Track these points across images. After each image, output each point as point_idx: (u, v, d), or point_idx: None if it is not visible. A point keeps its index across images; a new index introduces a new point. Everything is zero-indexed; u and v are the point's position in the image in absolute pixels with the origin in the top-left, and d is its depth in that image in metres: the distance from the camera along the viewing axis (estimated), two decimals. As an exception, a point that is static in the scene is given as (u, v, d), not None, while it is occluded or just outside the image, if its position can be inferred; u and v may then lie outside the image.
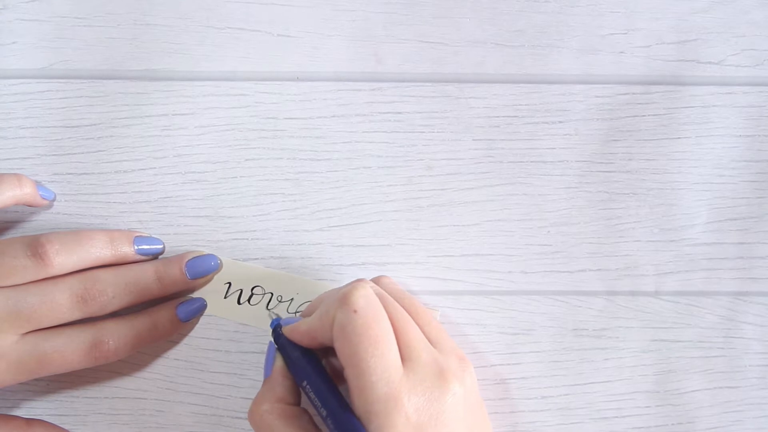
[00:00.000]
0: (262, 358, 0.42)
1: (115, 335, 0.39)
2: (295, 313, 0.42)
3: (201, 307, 0.42)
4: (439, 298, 0.43)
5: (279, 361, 0.38)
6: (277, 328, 0.39)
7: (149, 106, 0.43)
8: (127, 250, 0.41)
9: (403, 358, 0.35)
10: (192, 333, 0.43)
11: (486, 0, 0.44)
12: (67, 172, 0.43)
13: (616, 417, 0.43)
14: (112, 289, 0.39)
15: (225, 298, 0.43)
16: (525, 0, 0.44)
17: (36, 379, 0.42)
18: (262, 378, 0.42)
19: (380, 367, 0.34)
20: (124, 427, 0.42)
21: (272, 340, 0.39)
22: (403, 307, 0.37)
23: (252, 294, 0.43)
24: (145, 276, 0.40)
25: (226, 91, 0.44)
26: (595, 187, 0.44)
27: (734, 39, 0.44)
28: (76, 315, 0.39)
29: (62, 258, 0.39)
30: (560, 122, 0.44)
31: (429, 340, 0.37)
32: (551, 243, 0.43)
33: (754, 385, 0.43)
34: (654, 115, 0.44)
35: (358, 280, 0.37)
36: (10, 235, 0.43)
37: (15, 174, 0.41)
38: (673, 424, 0.43)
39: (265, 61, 0.44)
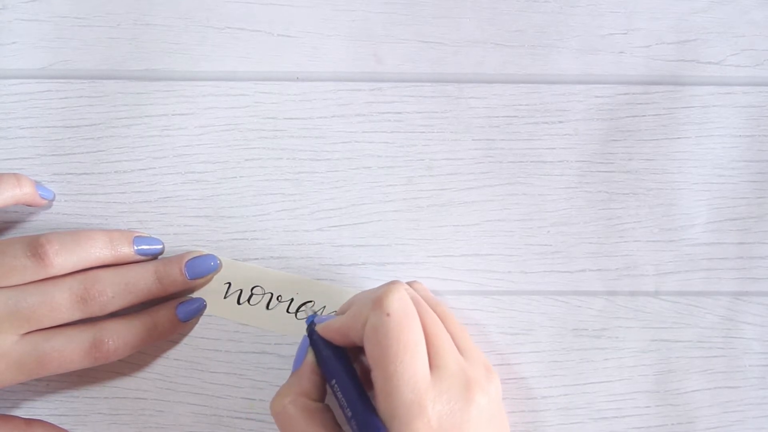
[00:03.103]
0: (262, 358, 0.43)
1: (115, 335, 0.39)
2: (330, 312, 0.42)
3: (201, 307, 0.42)
4: (439, 298, 0.43)
5: (310, 357, 0.38)
6: (311, 324, 0.39)
7: (149, 106, 0.43)
8: (127, 251, 0.41)
9: (432, 365, 0.35)
10: (192, 333, 0.43)
11: (486, 0, 0.44)
12: (66, 172, 0.43)
13: (616, 417, 0.43)
14: (112, 289, 0.39)
15: (225, 298, 0.43)
16: (525, 0, 0.44)
17: (36, 379, 0.42)
18: (262, 378, 0.42)
19: (408, 372, 0.34)
20: (124, 427, 0.42)
21: (306, 335, 0.39)
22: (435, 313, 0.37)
23: (252, 294, 0.43)
24: (145, 276, 0.40)
25: (226, 91, 0.44)
26: (595, 187, 0.44)
27: (734, 39, 0.44)
28: (76, 315, 0.39)
29: (62, 258, 0.39)
30: (560, 122, 0.44)
31: (458, 349, 0.37)
32: (551, 243, 0.43)
33: (754, 385, 0.43)
34: (654, 115, 0.44)
35: (394, 282, 0.36)
36: (10, 235, 0.43)
37: (14, 174, 0.41)
38: (673, 424, 0.43)
39: (265, 61, 0.44)
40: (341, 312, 0.39)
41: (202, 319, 0.43)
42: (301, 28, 0.44)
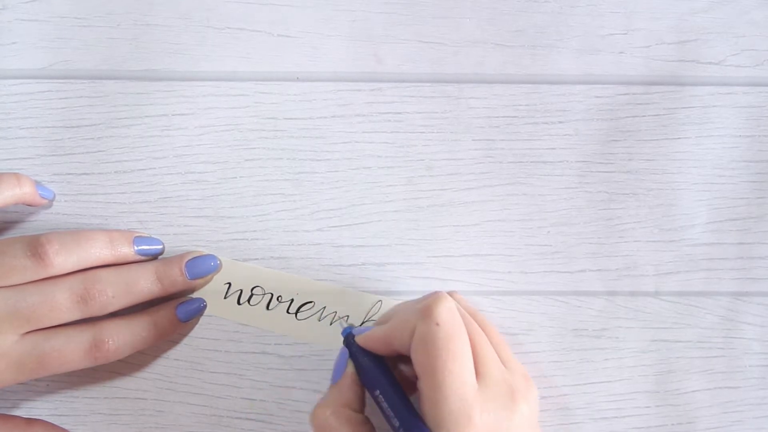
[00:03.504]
0: (262, 358, 0.43)
1: (115, 335, 0.39)
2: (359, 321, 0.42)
3: (201, 307, 0.42)
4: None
5: (350, 368, 0.38)
6: (349, 336, 0.39)
7: (149, 106, 0.43)
8: (127, 251, 0.41)
9: (477, 375, 0.35)
10: (192, 333, 0.43)
11: (486, 0, 0.44)
12: (66, 172, 0.43)
13: (616, 417, 0.43)
14: (112, 289, 0.39)
15: (225, 298, 0.43)
16: (525, 0, 0.44)
17: (36, 379, 0.42)
18: (262, 378, 0.42)
19: (456, 381, 0.34)
20: (124, 427, 0.42)
21: (343, 346, 0.39)
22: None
23: (252, 294, 0.43)
24: (145, 276, 0.40)
25: (226, 91, 0.44)
26: (595, 187, 0.44)
27: (734, 39, 0.44)
28: (76, 315, 0.39)
29: (62, 258, 0.39)
30: (560, 122, 0.44)
31: (499, 359, 0.37)
32: (551, 243, 0.43)
33: (754, 385, 0.43)
34: (654, 115, 0.44)
35: (439, 293, 0.37)
36: (10, 235, 0.43)
37: (14, 173, 0.41)
38: (673, 424, 0.43)
39: (265, 61, 0.44)
40: (381, 322, 0.39)
41: (202, 319, 0.43)
42: (301, 28, 0.44)
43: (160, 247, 0.42)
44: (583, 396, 0.43)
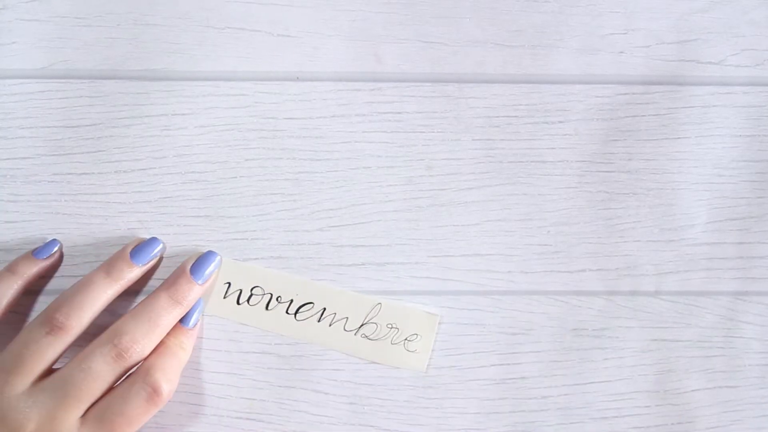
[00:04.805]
0: (262, 358, 0.43)
1: (161, 370, 0.39)
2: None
3: (198, 307, 0.42)
4: (439, 298, 0.43)
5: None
6: None
7: (149, 106, 0.43)
8: (129, 273, 0.40)
9: None
10: (192, 333, 0.43)
11: (486, 0, 0.44)
12: (67, 172, 0.43)
13: (616, 417, 0.43)
14: (139, 333, 0.39)
15: (224, 298, 0.43)
16: (525, 0, 0.44)
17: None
18: (262, 378, 0.42)
19: None
20: (124, 427, 0.42)
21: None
22: None
23: (251, 294, 0.43)
24: (162, 306, 0.40)
25: (226, 91, 0.44)
26: (595, 187, 0.44)
27: (734, 39, 0.44)
28: (120, 372, 0.39)
29: (75, 319, 0.38)
30: (560, 122, 0.44)
31: None
32: (551, 243, 0.43)
33: (754, 385, 0.43)
34: (654, 115, 0.44)
35: None
36: (11, 235, 0.43)
37: (6, 267, 0.41)
38: (673, 424, 0.43)
39: (265, 61, 0.44)
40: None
41: (202, 319, 0.43)
42: (301, 28, 0.44)
43: (159, 247, 0.42)
44: (583, 396, 0.43)
